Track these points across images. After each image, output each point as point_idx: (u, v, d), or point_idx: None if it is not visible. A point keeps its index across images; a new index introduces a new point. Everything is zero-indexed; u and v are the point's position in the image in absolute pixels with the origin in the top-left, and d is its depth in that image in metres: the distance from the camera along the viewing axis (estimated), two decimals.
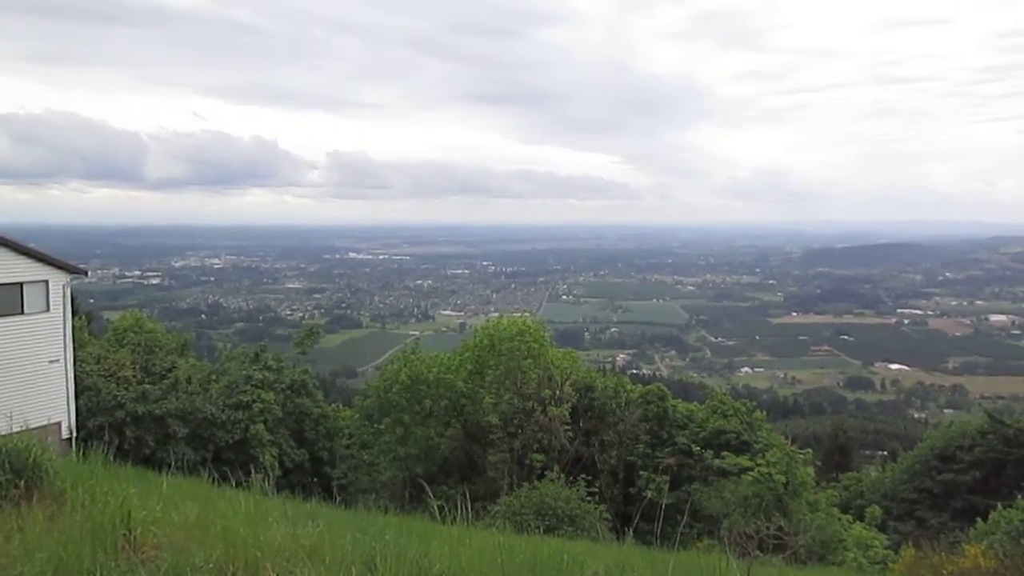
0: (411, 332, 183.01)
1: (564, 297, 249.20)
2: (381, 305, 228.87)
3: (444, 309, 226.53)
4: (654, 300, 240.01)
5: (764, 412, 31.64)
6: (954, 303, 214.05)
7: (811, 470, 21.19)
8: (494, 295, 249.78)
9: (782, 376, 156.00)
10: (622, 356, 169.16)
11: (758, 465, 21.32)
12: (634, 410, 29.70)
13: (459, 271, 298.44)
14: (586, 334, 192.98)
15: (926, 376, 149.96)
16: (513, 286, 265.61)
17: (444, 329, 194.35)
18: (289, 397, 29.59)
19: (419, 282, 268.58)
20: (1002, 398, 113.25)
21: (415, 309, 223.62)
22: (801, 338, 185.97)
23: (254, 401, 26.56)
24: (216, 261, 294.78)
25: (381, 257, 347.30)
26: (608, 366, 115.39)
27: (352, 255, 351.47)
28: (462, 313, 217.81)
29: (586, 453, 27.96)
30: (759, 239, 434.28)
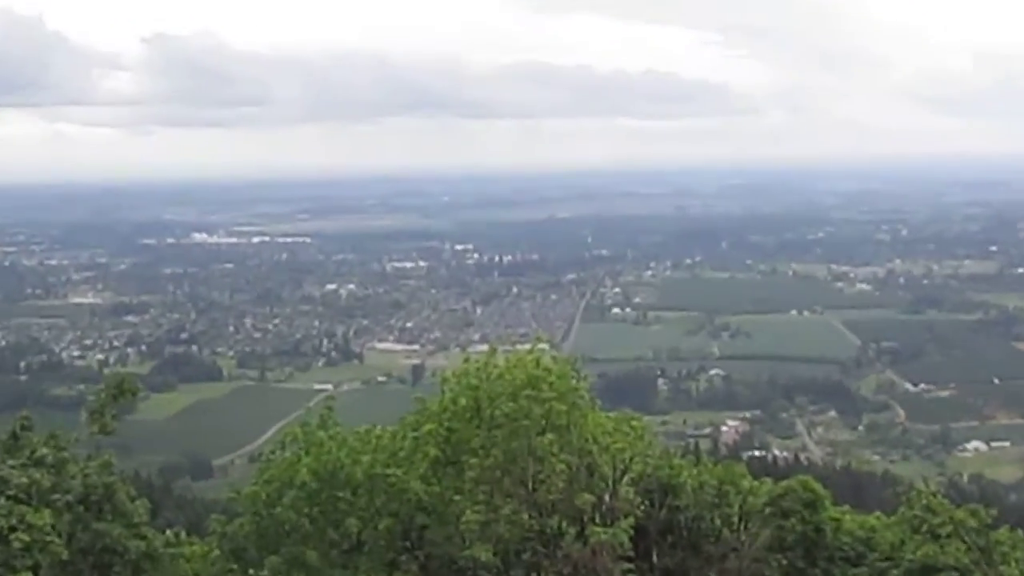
0: (317, 385, 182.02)
1: (615, 310, 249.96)
2: (257, 334, 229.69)
3: (380, 339, 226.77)
4: (792, 312, 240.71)
5: (1015, 528, 31.59)
6: None
7: None
8: (478, 309, 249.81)
9: None
10: (733, 423, 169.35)
11: None
12: (759, 529, 29.85)
13: (408, 264, 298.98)
14: (661, 381, 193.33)
15: None
16: (515, 291, 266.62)
17: (381, 378, 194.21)
18: (81, 519, 29.59)
19: (331, 287, 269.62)
20: None
21: (324, 341, 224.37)
22: None
23: (13, 529, 26.57)
24: None
25: (255, 240, 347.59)
26: (705, 444, 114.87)
27: (198, 237, 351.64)
28: (415, 347, 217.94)
29: None
30: (993, 188, 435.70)
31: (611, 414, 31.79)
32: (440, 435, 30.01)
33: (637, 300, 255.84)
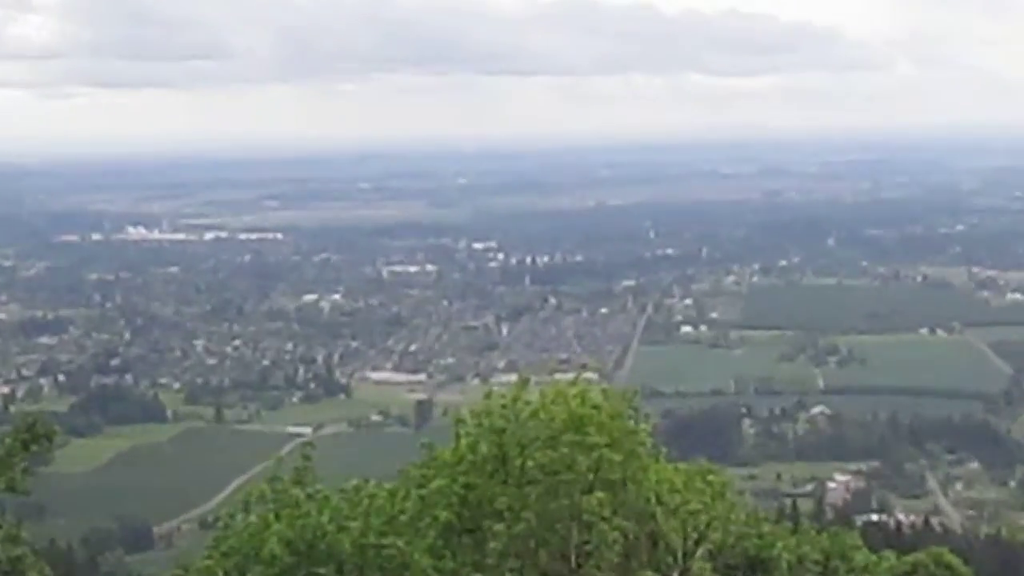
0: (292, 428, 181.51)
1: (686, 329, 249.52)
2: (212, 360, 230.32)
3: (374, 367, 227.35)
4: (921, 331, 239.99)
5: None
6: None
7: None
8: (503, 328, 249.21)
9: None
10: (843, 478, 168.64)
11: None
12: None
13: (412, 268, 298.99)
14: (747, 423, 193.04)
15: None
16: (553, 303, 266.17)
17: (376, 418, 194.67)
18: None
19: (309, 299, 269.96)
20: None
21: (300, 369, 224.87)
22: None
23: None
24: None
25: (209, 237, 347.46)
26: (806, 505, 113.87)
27: (134, 232, 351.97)
28: (421, 377, 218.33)
29: None
30: None
31: (681, 465, 31.85)
32: (454, 493, 30.11)
33: (714, 315, 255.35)
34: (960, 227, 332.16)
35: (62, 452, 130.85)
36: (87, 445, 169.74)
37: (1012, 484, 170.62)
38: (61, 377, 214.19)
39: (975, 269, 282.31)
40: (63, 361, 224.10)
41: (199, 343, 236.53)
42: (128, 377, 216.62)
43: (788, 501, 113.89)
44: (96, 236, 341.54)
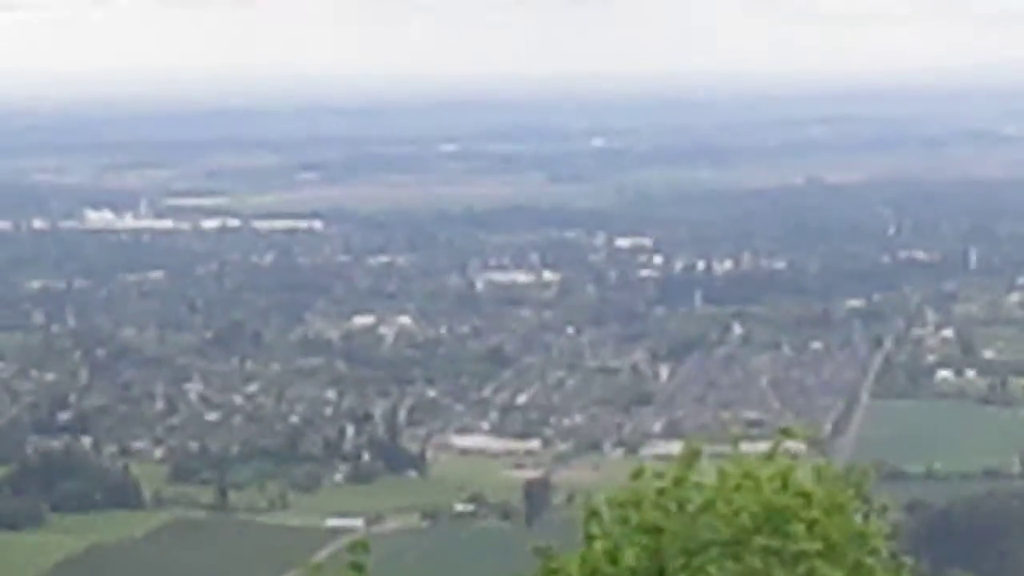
0: (334, 521, 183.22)
1: (944, 374, 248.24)
2: (212, 416, 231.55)
3: (460, 430, 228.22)
4: None
5: None
6: None
7: None
8: (661, 370, 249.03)
9: None
10: None
11: None
12: None
13: (521, 276, 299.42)
14: None
15: None
16: (737, 332, 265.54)
17: (464, 506, 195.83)
18: None
19: (363, 322, 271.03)
20: None
21: (348, 430, 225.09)
22: None
23: None
24: None
25: (210, 226, 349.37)
26: None
27: (95, 218, 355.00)
28: (532, 444, 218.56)
29: None
30: None
31: None
32: None
33: (989, 355, 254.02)
34: None
35: None
36: (19, 543, 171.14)
37: None
38: None
39: None
40: None
41: (193, 389, 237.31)
42: (84, 439, 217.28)
43: None
44: (38, 223, 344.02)
